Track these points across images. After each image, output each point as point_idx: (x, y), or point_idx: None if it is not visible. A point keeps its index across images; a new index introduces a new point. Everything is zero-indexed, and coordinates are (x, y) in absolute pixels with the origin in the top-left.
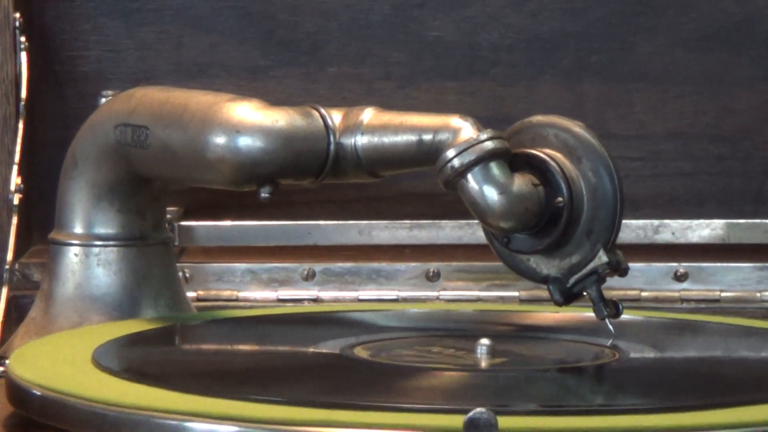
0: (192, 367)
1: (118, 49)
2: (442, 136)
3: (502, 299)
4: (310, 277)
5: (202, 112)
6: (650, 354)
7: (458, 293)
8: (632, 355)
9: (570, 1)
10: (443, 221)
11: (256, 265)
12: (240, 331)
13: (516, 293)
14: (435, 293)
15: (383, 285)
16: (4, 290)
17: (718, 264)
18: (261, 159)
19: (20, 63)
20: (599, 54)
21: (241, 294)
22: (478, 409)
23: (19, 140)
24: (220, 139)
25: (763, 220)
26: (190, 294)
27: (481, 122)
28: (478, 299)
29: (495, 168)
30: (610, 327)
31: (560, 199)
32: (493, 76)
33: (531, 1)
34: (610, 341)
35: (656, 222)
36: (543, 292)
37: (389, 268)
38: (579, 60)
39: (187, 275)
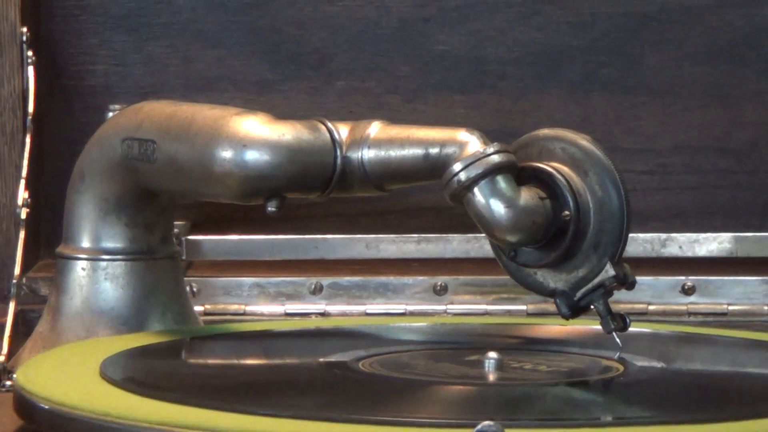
0: (199, 381)
1: (126, 63)
2: (449, 150)
3: (510, 313)
4: (317, 291)
5: (208, 126)
6: (658, 367)
7: (466, 307)
8: (640, 368)
9: (577, 15)
10: (451, 235)
11: (263, 279)
12: (247, 344)
13: (523, 307)
14: (442, 307)
15: (391, 299)
16: (12, 304)
17: (726, 277)
18: (268, 173)
19: (27, 77)
20: (606, 67)
21: (249, 308)
22: (486, 422)
23: (26, 154)
24: (226, 153)
25: None
26: (198, 308)
27: (489, 136)
28: (486, 313)
29: (502, 181)
30: (618, 340)
31: (567, 212)
32: (501, 90)
33: (538, 14)
34: (618, 354)
35: (663, 235)
36: (550, 306)
37: (397, 282)
38: (586, 74)
39: (195, 289)
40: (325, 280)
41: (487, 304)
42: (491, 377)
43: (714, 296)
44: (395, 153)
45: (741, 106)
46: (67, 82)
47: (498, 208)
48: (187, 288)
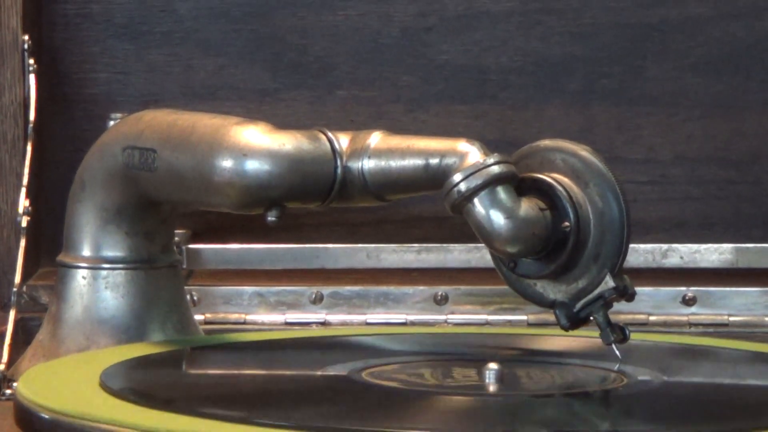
0: (200, 391)
1: (127, 71)
2: (449, 161)
3: (510, 323)
4: (318, 300)
5: (209, 136)
6: (658, 379)
7: (466, 317)
8: (639, 379)
9: (579, 25)
10: (451, 245)
11: (264, 289)
12: (248, 354)
13: (524, 317)
14: (443, 317)
15: (391, 308)
16: (12, 312)
17: (727, 288)
18: (268, 182)
19: (29, 85)
20: (608, 78)
21: (249, 317)
22: None
23: (27, 162)
24: (227, 163)
25: None
26: (198, 317)
27: (490, 146)
28: (486, 323)
29: (502, 192)
30: (617, 352)
31: (567, 223)
32: (502, 100)
33: (540, 24)
34: (618, 366)
35: (665, 246)
36: (551, 317)
37: (397, 292)
38: (588, 84)
39: (195, 298)
40: (326, 290)
41: (488, 314)
42: (491, 388)
43: (715, 307)
44: (395, 163)
45: (743, 116)
46: (68, 90)
47: (498, 218)
48: (188, 297)
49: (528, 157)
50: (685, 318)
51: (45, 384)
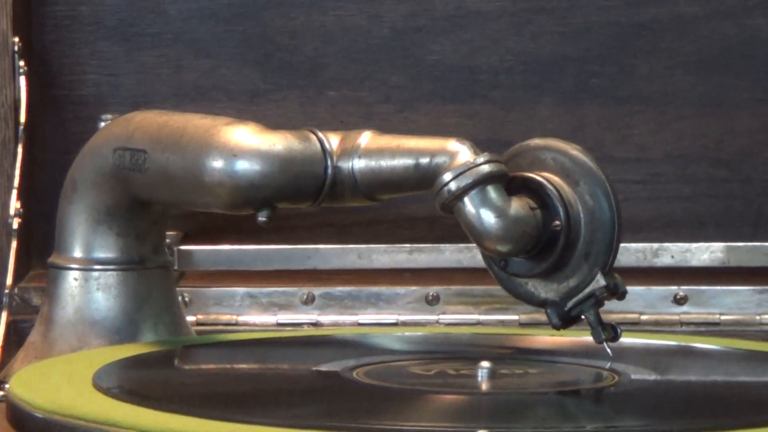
0: (192, 390)
1: (117, 73)
2: (439, 160)
3: (502, 323)
4: (309, 301)
5: (199, 136)
6: (649, 377)
7: (458, 317)
8: (631, 378)
9: (569, 25)
10: (443, 245)
11: (255, 290)
12: (240, 354)
13: (516, 317)
14: (435, 317)
15: (383, 309)
16: (4, 314)
17: (718, 287)
18: (258, 183)
19: (19, 87)
20: (599, 77)
21: (241, 318)
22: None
23: (18, 164)
24: (217, 163)
25: (763, 243)
26: (190, 318)
27: (481, 145)
28: (478, 323)
29: (492, 191)
30: (608, 350)
31: (557, 222)
32: (493, 100)
33: (530, 24)
34: (609, 364)
35: (656, 245)
36: (543, 316)
37: (389, 292)
38: (578, 83)
39: (187, 299)
40: (317, 291)
41: (480, 314)
42: (484, 386)
43: (706, 306)
44: (386, 163)
45: (733, 115)
46: (58, 92)
47: (488, 217)
48: (179, 298)
49: (518, 156)
50: (676, 317)
51: (37, 383)
